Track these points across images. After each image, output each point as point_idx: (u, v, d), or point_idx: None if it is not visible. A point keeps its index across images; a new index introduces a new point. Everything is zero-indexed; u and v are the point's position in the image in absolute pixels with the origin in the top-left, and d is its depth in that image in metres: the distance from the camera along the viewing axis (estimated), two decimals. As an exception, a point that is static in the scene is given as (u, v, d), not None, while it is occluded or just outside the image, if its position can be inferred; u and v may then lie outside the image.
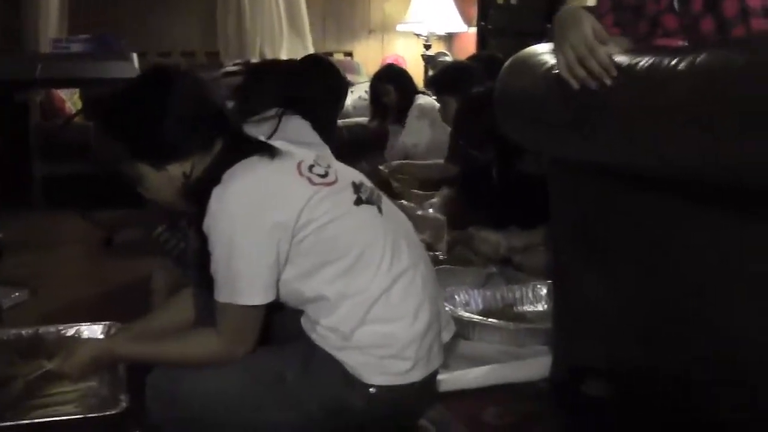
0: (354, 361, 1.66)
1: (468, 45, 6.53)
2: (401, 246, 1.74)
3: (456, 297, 2.57)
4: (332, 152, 2.51)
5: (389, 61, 6.65)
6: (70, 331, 2.31)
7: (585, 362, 1.87)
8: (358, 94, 6.11)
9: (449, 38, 6.81)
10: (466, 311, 2.48)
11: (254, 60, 6.17)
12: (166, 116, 1.67)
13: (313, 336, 1.68)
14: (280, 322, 1.75)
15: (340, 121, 5.69)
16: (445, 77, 4.15)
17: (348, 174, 1.79)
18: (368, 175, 1.94)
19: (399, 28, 6.58)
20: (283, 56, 6.36)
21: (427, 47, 6.45)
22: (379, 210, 1.76)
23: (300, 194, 1.65)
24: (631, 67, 1.49)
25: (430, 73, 6.41)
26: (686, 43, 1.66)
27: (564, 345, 1.98)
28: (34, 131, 4.98)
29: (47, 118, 5.24)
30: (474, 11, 6.46)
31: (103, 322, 2.33)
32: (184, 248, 2.48)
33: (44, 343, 2.22)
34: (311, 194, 1.65)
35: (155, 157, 1.69)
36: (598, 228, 1.76)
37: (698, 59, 1.27)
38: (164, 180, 1.71)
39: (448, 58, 6.50)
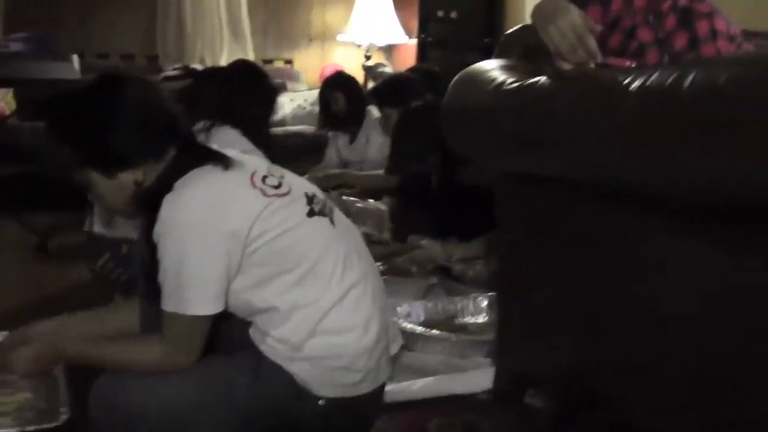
0: (304, 372, 1.66)
1: (408, 57, 6.58)
2: (353, 258, 1.75)
3: (398, 308, 2.58)
4: (270, 159, 2.53)
5: (329, 70, 6.67)
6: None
7: (528, 373, 1.90)
8: (297, 102, 6.11)
9: (389, 49, 6.84)
10: (409, 322, 2.50)
11: (194, 65, 6.13)
12: (117, 123, 1.65)
13: (263, 347, 1.68)
14: (226, 332, 1.74)
15: (278, 129, 5.71)
16: (387, 89, 4.18)
17: (301, 185, 1.79)
18: None
19: (339, 37, 6.59)
20: (223, 62, 6.33)
21: (368, 58, 6.48)
22: (331, 222, 1.77)
23: (253, 205, 1.65)
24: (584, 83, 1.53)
25: (370, 83, 6.45)
26: (634, 65, 1.72)
27: (507, 356, 2.01)
28: None
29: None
30: (415, 23, 6.51)
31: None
32: (127, 279, 2.45)
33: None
34: (264, 206, 1.65)
35: (106, 164, 1.68)
36: (547, 239, 1.80)
37: (650, 79, 1.31)
38: (115, 188, 1.69)
39: (388, 69, 6.53)
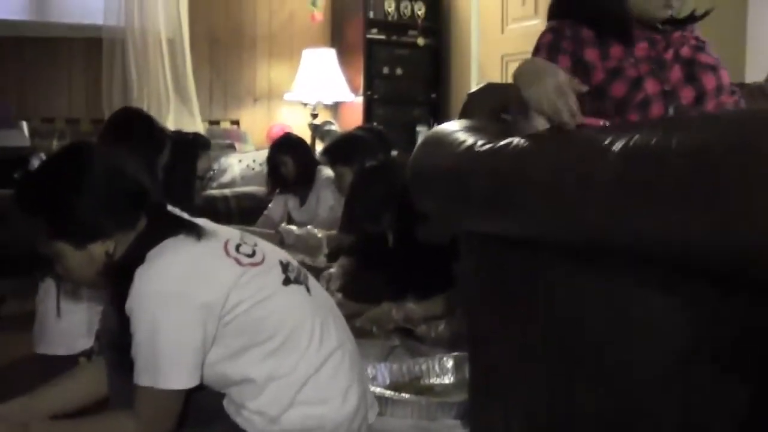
0: (281, 446, 1.64)
1: (354, 114, 6.62)
2: (329, 325, 1.74)
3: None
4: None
5: (276, 129, 6.67)
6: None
7: (501, 428, 1.88)
8: (246, 162, 6.09)
9: (335, 107, 6.88)
10: (375, 385, 2.48)
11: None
12: (86, 195, 1.64)
13: (238, 419, 1.66)
14: (200, 402, 1.71)
15: (227, 191, 5.69)
16: (339, 148, 4.20)
17: (274, 253, 1.78)
18: None
19: (286, 96, 6.61)
20: (170, 123, 6.30)
21: (314, 116, 6.50)
22: (307, 289, 1.76)
23: (228, 275, 1.63)
24: (555, 144, 1.54)
25: (318, 142, 6.46)
26: (608, 124, 1.74)
27: (479, 417, 2.00)
28: None
29: None
30: (360, 80, 6.57)
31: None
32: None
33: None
34: (239, 275, 1.64)
35: (75, 236, 1.65)
36: (517, 298, 1.80)
37: (632, 140, 1.31)
38: (86, 259, 1.67)
39: (334, 127, 6.57)
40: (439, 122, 5.96)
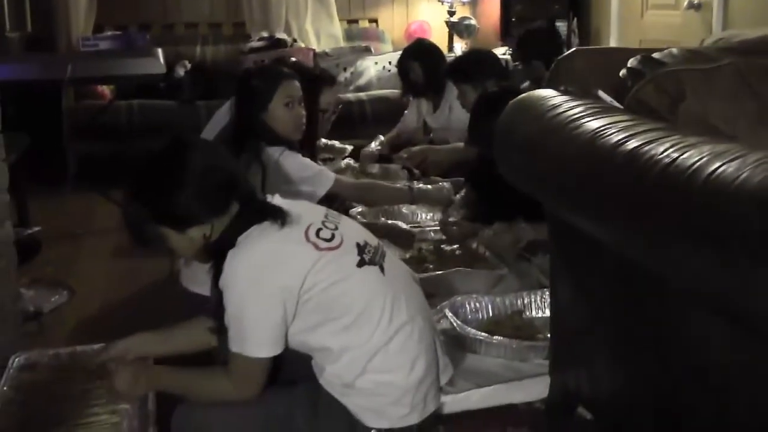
0: (356, 406, 1.83)
1: (492, 9, 6.56)
2: (401, 301, 1.88)
3: (467, 305, 2.69)
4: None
5: (414, 27, 6.71)
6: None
7: (575, 387, 1.99)
8: (382, 64, 6.18)
9: (473, 3, 6.81)
10: (476, 320, 2.61)
11: (279, 32, 6.26)
12: (186, 188, 1.82)
13: (321, 380, 1.85)
14: (292, 360, 1.91)
15: (362, 94, 5.82)
16: (460, 66, 4.21)
17: (353, 234, 1.93)
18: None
19: (423, -7, 6.61)
20: (309, 26, 6.44)
21: (451, 14, 6.48)
22: (381, 269, 1.90)
23: (305, 260, 1.80)
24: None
25: (456, 39, 6.46)
26: None
27: (558, 371, 2.11)
28: (67, 114, 5.04)
29: (78, 99, 5.39)
30: (497, -24, 6.47)
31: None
32: None
33: (80, 362, 2.41)
34: (316, 259, 1.80)
35: (177, 222, 1.85)
36: (583, 273, 1.87)
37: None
38: (186, 241, 1.87)
39: (473, 22, 6.54)
40: (579, 18, 5.88)
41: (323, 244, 1.83)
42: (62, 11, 5.58)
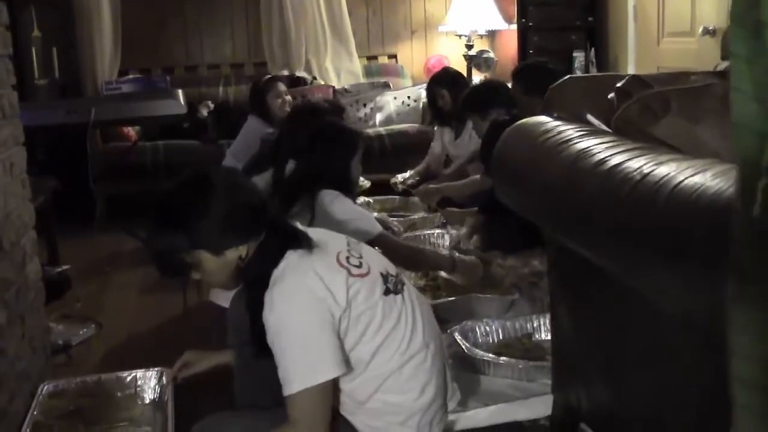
0: (363, 424, 1.92)
1: (510, 42, 6.64)
2: (417, 329, 1.95)
3: (477, 329, 2.78)
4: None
5: (432, 62, 6.82)
6: (129, 378, 2.60)
7: (576, 404, 2.06)
8: (401, 99, 6.30)
9: (491, 36, 6.92)
10: (486, 343, 2.70)
11: (299, 71, 6.41)
12: (222, 208, 1.85)
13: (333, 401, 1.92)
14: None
15: (381, 129, 5.93)
16: (468, 97, 4.30)
17: (376, 263, 1.98)
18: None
19: (440, 28, 6.72)
20: (329, 63, 6.58)
21: (469, 47, 6.58)
22: (403, 298, 1.96)
23: (342, 285, 1.84)
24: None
25: (474, 71, 6.56)
26: None
27: (560, 386, 2.18)
28: (94, 156, 5.09)
29: (106, 141, 5.53)
30: (513, 8, 6.56)
31: (156, 369, 2.62)
32: None
33: (105, 388, 2.53)
34: (350, 285, 1.85)
35: (216, 245, 1.87)
36: (580, 298, 1.95)
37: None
38: (221, 264, 1.88)
39: (491, 55, 6.64)
40: (597, 48, 5.96)
41: (355, 270, 1.89)
42: (88, 58, 5.80)
